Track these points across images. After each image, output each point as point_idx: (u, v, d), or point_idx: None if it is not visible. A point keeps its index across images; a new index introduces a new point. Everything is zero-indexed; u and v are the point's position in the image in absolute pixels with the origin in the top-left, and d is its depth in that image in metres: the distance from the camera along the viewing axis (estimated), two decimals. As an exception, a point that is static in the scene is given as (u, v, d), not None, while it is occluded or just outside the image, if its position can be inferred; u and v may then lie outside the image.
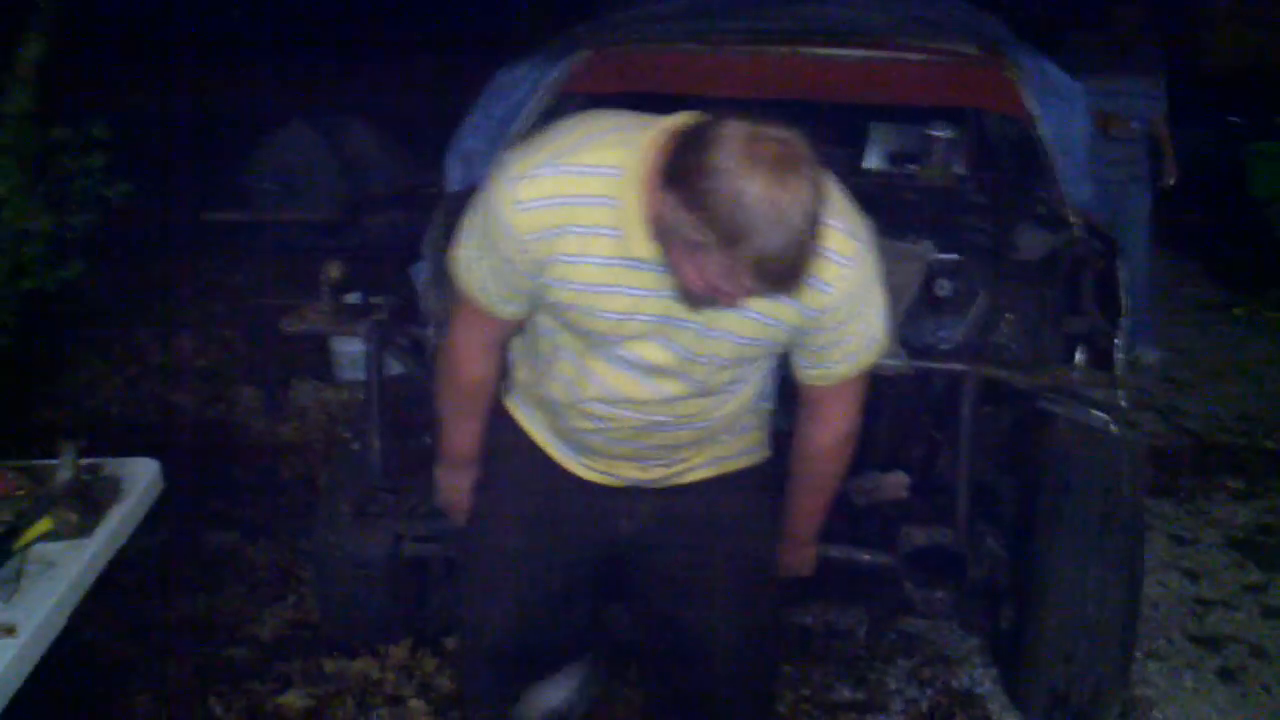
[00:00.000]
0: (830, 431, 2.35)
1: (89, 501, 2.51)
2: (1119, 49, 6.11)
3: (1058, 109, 4.23)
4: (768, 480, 2.49)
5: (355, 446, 3.52)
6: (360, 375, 4.17)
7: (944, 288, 3.51)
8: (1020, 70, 4.00)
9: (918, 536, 3.20)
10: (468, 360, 2.37)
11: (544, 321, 2.24)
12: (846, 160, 4.79)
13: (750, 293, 1.88)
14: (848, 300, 2.09)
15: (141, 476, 2.71)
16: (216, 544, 4.18)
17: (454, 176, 4.13)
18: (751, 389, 2.33)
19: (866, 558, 3.23)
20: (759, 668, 2.60)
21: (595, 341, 2.17)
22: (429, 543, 3.43)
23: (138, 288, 6.30)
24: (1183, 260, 8.15)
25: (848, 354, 2.20)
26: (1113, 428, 3.26)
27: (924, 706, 3.53)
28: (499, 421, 2.47)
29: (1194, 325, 7.16)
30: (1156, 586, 4.17)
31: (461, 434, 2.50)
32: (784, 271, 1.82)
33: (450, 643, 3.64)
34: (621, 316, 2.09)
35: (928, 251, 3.43)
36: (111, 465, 2.70)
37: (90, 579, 2.40)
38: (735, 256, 1.79)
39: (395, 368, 3.78)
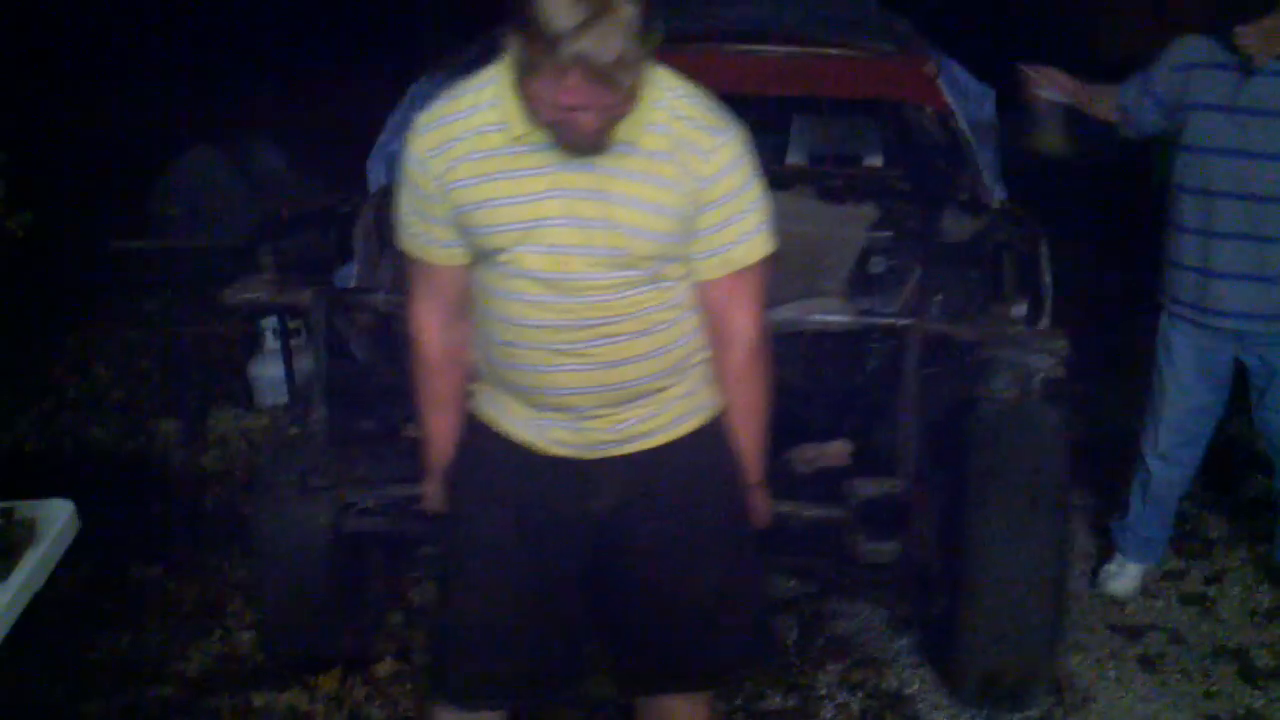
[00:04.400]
0: (740, 344, 2.43)
1: (2, 547, 2.47)
2: None
3: (967, 107, 4.38)
4: (725, 431, 2.53)
5: (294, 431, 3.49)
6: (282, 399, 4.14)
7: (878, 264, 3.57)
8: (937, 67, 4.23)
9: (866, 488, 3.24)
10: (426, 329, 2.49)
11: (475, 282, 2.39)
12: (771, 153, 4.86)
13: (584, 97, 2.06)
14: (732, 167, 2.29)
15: (56, 518, 2.66)
16: (139, 579, 4.11)
17: (376, 178, 4.15)
18: (680, 328, 2.39)
19: (817, 512, 3.26)
20: (750, 610, 2.66)
21: (504, 261, 2.28)
22: (375, 516, 3.39)
23: (47, 320, 6.18)
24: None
25: (742, 232, 2.33)
26: (1059, 370, 3.31)
27: (855, 710, 3.57)
28: (469, 427, 2.56)
29: (1106, 319, 7.27)
30: (1078, 578, 4.23)
31: (439, 432, 2.59)
32: (607, 64, 2.02)
33: (380, 670, 3.62)
34: (517, 200, 2.25)
35: (871, 212, 3.48)
36: (24, 508, 2.65)
37: (7, 625, 2.36)
38: (556, 59, 2.01)
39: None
